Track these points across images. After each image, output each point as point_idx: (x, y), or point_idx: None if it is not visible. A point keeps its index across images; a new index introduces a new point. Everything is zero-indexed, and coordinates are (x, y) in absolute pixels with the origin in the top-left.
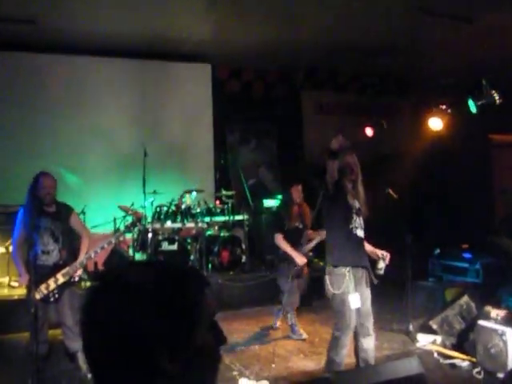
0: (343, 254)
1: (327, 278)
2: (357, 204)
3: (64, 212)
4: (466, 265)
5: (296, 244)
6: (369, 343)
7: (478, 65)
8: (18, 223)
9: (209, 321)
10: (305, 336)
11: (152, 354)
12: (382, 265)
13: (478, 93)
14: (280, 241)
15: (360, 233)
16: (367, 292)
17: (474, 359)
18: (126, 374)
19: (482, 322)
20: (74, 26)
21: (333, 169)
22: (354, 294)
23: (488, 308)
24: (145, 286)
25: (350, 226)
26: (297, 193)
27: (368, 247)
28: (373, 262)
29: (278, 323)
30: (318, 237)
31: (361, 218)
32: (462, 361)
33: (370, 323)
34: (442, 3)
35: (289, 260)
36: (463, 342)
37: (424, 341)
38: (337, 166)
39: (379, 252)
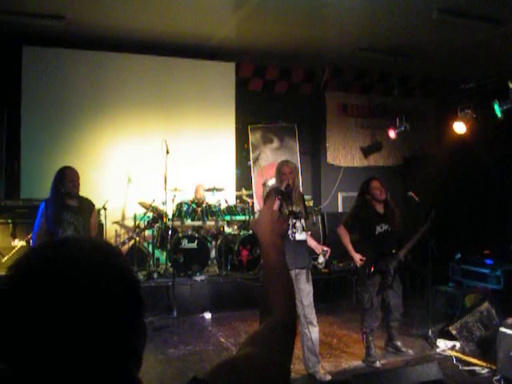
0: None
1: None
2: (295, 208)
3: (87, 207)
4: (486, 271)
5: (388, 250)
6: (313, 333)
7: (504, 68)
8: (39, 216)
9: None
10: (378, 365)
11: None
12: (321, 259)
13: (503, 97)
14: (343, 233)
15: (300, 236)
16: (308, 287)
17: (493, 366)
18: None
19: (503, 329)
20: (100, 22)
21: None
22: None
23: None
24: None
25: (287, 234)
26: (377, 189)
27: (312, 243)
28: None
29: None
30: (414, 237)
31: (302, 220)
32: (482, 368)
33: (312, 315)
34: (468, 4)
35: (383, 270)
36: (483, 348)
37: (443, 346)
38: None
39: (320, 248)
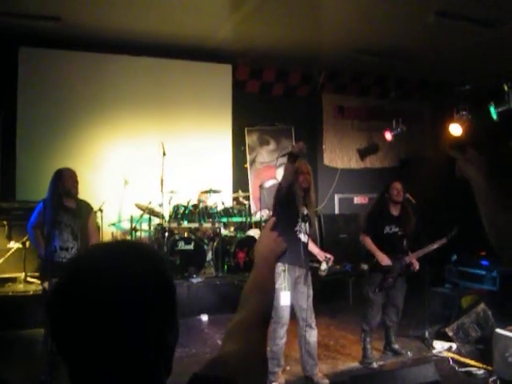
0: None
1: None
2: (305, 211)
3: (85, 210)
4: (483, 272)
5: (394, 252)
6: (311, 336)
7: (500, 70)
8: (35, 213)
9: None
10: (375, 366)
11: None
12: (324, 266)
13: (499, 99)
14: (366, 240)
15: (303, 237)
16: (308, 291)
17: (490, 367)
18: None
19: (499, 331)
20: (97, 23)
21: (289, 172)
22: (286, 292)
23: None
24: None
25: (295, 229)
26: (395, 190)
27: (315, 249)
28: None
29: None
30: (427, 247)
31: (307, 224)
32: (478, 369)
33: (311, 318)
34: (464, 7)
35: (385, 269)
36: (479, 349)
37: (440, 348)
38: (293, 169)
39: (323, 254)
